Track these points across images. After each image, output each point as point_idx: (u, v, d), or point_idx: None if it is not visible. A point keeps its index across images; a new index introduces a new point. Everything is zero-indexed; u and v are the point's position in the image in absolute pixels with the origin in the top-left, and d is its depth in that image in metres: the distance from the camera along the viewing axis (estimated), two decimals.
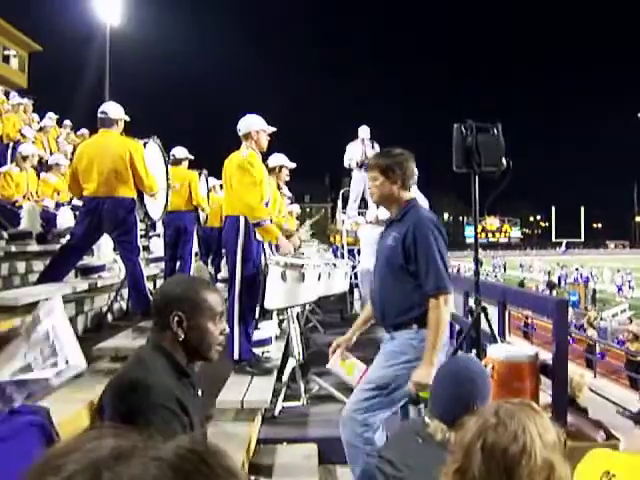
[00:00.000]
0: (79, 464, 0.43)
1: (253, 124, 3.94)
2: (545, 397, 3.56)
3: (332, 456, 3.19)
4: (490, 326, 4.00)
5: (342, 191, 9.66)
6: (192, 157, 6.35)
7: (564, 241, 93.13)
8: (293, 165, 5.35)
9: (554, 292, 26.05)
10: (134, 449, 0.45)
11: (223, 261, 6.69)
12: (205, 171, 7.13)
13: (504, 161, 4.07)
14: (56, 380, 1.34)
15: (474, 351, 4.11)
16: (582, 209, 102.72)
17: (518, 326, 15.81)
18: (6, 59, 27.18)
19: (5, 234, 5.45)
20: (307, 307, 6.15)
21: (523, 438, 1.13)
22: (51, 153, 8.69)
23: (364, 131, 8.32)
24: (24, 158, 6.76)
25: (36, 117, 9.93)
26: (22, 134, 8.05)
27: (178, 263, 6.02)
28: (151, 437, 0.48)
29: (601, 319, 17.48)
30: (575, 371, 4.10)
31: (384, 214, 5.38)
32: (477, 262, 4.23)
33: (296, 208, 10.37)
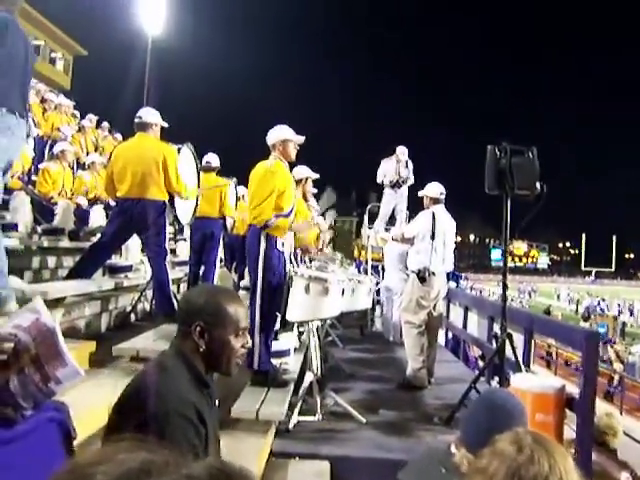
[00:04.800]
0: (109, 475, 0.42)
1: (279, 135, 3.99)
2: (569, 432, 3.43)
3: (344, 475, 3.13)
4: (515, 354, 3.89)
5: (369, 207, 9.62)
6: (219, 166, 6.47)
7: (593, 270, 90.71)
8: (316, 175, 5.61)
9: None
10: (166, 464, 0.44)
11: (247, 269, 6.71)
12: (235, 179, 7.20)
13: (538, 185, 3.99)
14: (56, 387, 1.33)
15: (497, 379, 4.01)
16: (614, 238, 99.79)
17: (540, 354, 15.39)
18: (52, 61, 28.28)
19: (39, 229, 5.59)
20: (327, 321, 6.10)
21: (556, 466, 1.10)
22: (87, 153, 8.96)
23: (401, 151, 8.29)
24: (61, 153, 6.96)
25: (77, 115, 10.27)
26: (60, 132, 8.31)
27: (202, 268, 6.08)
28: (182, 454, 0.47)
29: (629, 354, 16.89)
30: (608, 413, 3.91)
31: (410, 232, 5.35)
32: (505, 287, 4.13)
33: (322, 220, 10.35)
